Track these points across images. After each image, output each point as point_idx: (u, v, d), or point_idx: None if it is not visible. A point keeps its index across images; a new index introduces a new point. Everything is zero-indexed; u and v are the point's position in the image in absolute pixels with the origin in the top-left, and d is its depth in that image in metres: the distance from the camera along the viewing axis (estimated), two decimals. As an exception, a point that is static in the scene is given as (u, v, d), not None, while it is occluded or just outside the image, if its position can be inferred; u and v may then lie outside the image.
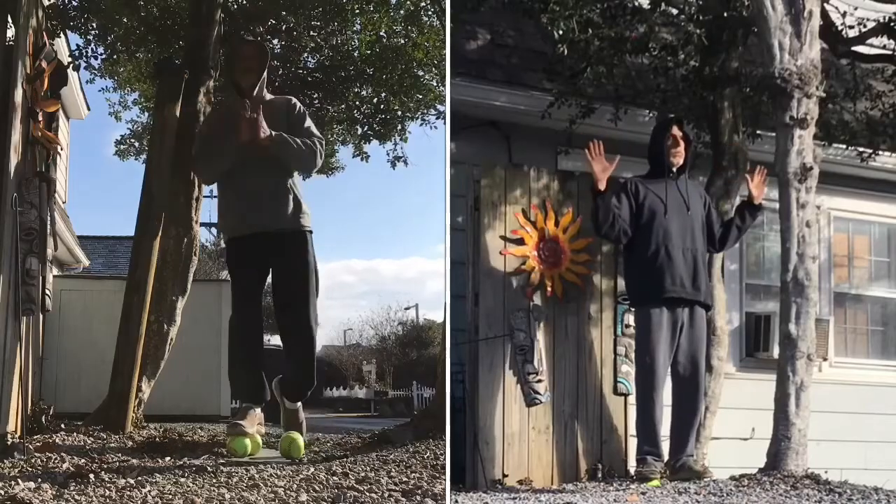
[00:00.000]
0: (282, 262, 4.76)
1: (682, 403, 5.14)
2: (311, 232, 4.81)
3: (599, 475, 5.47)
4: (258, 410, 4.80)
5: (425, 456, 4.24)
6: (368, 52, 8.26)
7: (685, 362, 5.14)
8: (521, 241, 5.62)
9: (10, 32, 5.12)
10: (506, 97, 6.68)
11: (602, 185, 5.09)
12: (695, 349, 5.16)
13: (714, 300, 5.82)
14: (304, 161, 4.81)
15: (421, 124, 8.76)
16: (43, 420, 5.43)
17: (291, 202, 4.74)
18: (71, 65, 7.04)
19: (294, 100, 4.99)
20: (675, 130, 5.30)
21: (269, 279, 4.95)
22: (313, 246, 4.81)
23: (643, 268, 5.16)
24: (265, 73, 4.88)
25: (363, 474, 3.76)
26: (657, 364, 5.05)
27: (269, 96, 4.93)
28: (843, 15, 6.73)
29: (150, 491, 3.33)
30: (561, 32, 5.65)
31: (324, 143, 4.90)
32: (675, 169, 5.29)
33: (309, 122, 4.89)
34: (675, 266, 5.11)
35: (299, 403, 4.82)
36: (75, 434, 5.08)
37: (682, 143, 5.31)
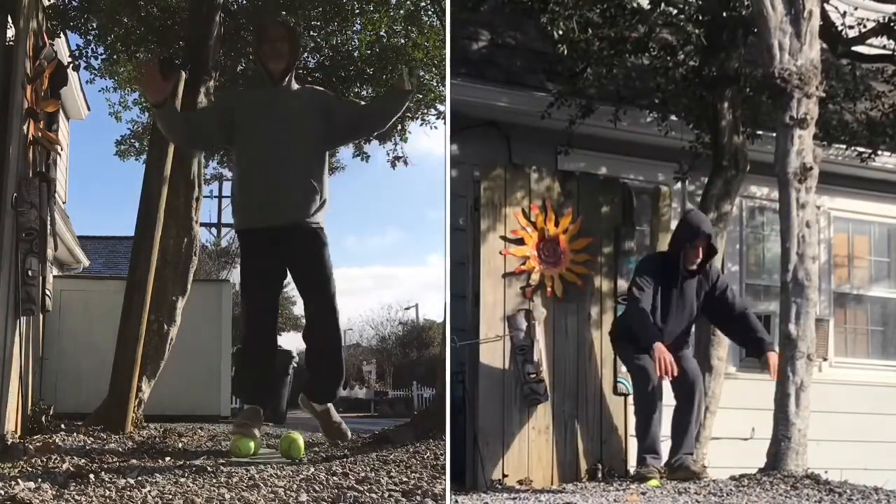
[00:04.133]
0: (302, 258, 4.59)
1: (682, 404, 5.15)
2: (322, 227, 4.65)
3: (599, 475, 5.47)
4: (261, 411, 4.76)
5: (425, 456, 4.23)
6: (368, 52, 8.27)
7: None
8: (521, 242, 5.62)
9: (11, 33, 5.12)
10: (506, 97, 6.68)
11: None
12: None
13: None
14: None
15: (421, 124, 8.78)
16: (43, 420, 5.43)
17: (317, 196, 4.57)
18: (71, 65, 7.05)
19: (322, 90, 4.85)
20: (699, 242, 5.14)
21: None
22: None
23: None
24: (297, 59, 4.69)
25: (363, 474, 3.75)
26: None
27: (295, 85, 4.71)
28: (843, 15, 6.73)
29: (150, 491, 3.32)
30: (561, 32, 5.65)
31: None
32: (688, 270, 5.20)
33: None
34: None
35: (335, 415, 4.73)
36: (75, 434, 5.08)
37: (701, 254, 5.17)
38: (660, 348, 4.83)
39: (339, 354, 4.73)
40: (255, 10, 7.82)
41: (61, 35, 7.06)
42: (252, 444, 4.49)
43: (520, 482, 5.33)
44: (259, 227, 4.59)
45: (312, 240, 4.59)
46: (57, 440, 4.79)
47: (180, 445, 4.94)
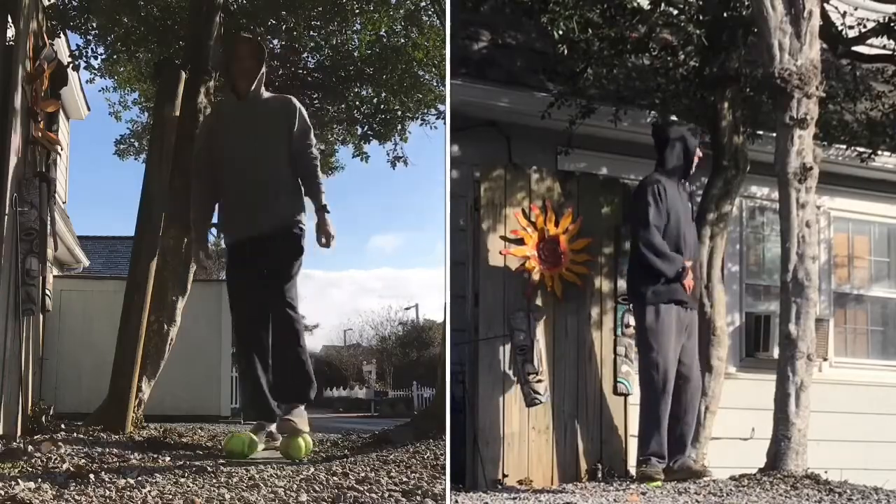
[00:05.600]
0: (270, 261, 4.67)
1: (677, 404, 5.16)
2: (302, 228, 4.72)
3: (599, 475, 5.48)
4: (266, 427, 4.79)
5: (425, 456, 4.24)
6: (368, 52, 8.26)
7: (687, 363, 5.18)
8: (521, 242, 5.62)
9: (11, 33, 5.12)
10: (506, 97, 6.68)
11: None
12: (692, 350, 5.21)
13: (714, 300, 5.83)
14: None
15: (421, 124, 8.76)
16: (43, 420, 5.42)
17: (285, 199, 4.69)
18: (71, 65, 7.03)
19: (296, 103, 4.84)
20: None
21: None
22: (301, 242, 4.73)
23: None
24: (262, 73, 4.80)
25: (363, 474, 3.76)
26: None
27: (265, 94, 4.88)
28: (843, 15, 6.73)
29: (150, 491, 3.32)
30: (561, 33, 5.65)
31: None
32: None
33: (312, 138, 4.80)
34: None
35: (296, 416, 4.54)
36: (75, 434, 5.08)
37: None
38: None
39: (296, 352, 4.63)
40: (255, 10, 7.82)
41: (61, 35, 7.05)
42: (244, 442, 4.49)
43: (520, 482, 5.33)
44: (239, 241, 4.77)
45: (285, 243, 4.67)
46: (57, 440, 4.79)
47: (180, 446, 4.94)
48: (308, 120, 4.83)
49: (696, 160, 5.42)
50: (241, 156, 4.72)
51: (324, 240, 4.58)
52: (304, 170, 4.76)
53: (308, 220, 4.76)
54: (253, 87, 4.77)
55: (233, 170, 4.76)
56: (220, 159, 4.84)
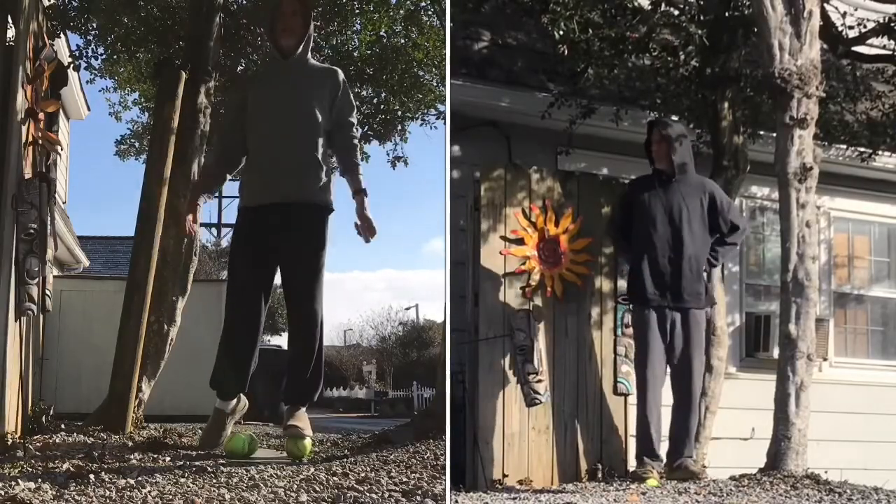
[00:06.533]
0: (292, 237, 4.37)
1: (679, 404, 5.16)
2: (330, 209, 4.43)
3: (599, 475, 5.47)
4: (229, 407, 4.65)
5: (425, 456, 4.24)
6: (368, 52, 8.26)
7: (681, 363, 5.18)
8: (521, 241, 5.61)
9: (11, 33, 5.12)
10: (507, 98, 6.68)
11: None
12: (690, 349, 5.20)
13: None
14: None
15: (421, 124, 8.76)
16: (43, 420, 5.43)
17: (320, 172, 4.38)
18: (71, 65, 7.04)
19: (342, 76, 4.56)
20: (655, 137, 5.36)
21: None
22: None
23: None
24: (310, 34, 4.49)
25: (363, 474, 3.76)
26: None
27: (312, 61, 4.60)
28: (843, 15, 6.74)
29: (150, 491, 3.32)
30: (561, 33, 5.65)
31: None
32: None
33: (354, 116, 4.51)
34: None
35: (297, 419, 4.37)
36: (75, 434, 5.08)
37: (665, 151, 5.31)
38: None
39: (311, 351, 4.40)
40: (255, 9, 7.82)
41: (61, 35, 7.05)
42: (244, 442, 4.48)
43: (520, 482, 5.33)
44: (258, 205, 4.43)
45: (309, 216, 4.39)
46: (57, 440, 4.79)
47: (180, 445, 4.94)
48: (352, 97, 4.56)
49: (655, 149, 5.34)
50: (277, 115, 4.41)
51: (364, 227, 4.25)
52: (341, 145, 4.45)
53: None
54: (300, 48, 4.46)
55: (265, 130, 4.45)
56: (253, 117, 4.51)
